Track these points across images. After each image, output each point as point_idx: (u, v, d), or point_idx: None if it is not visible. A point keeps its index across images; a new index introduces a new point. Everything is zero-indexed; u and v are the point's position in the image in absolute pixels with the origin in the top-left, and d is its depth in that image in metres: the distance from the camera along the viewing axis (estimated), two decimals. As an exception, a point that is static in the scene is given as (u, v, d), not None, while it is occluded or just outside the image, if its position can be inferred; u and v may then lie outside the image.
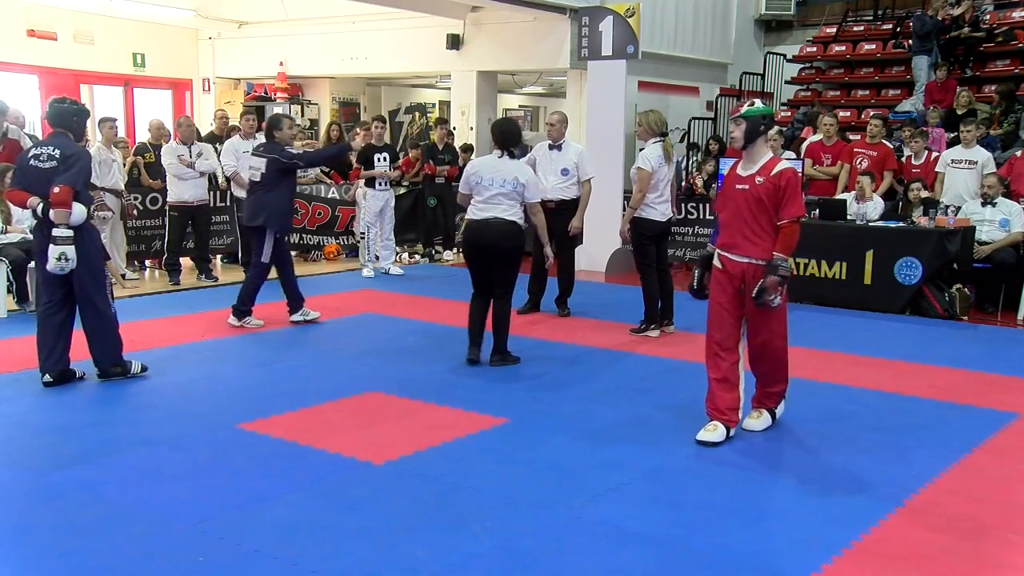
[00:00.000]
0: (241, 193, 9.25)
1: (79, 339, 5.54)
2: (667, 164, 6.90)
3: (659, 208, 6.81)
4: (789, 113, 13.23)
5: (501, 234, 5.85)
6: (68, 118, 5.42)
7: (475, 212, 5.94)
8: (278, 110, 14.87)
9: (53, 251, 5.14)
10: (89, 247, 5.35)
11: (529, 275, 7.88)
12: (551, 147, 7.64)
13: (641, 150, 7.03)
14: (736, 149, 4.58)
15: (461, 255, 11.55)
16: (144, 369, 5.63)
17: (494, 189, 5.84)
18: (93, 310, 5.42)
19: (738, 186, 4.45)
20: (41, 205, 5.20)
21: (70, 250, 5.15)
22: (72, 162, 5.22)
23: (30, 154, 5.38)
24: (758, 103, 4.55)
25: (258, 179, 6.99)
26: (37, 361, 5.46)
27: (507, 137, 6.00)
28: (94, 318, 5.44)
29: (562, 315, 7.72)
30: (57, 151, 5.27)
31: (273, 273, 7.19)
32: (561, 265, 7.83)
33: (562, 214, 7.57)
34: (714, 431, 4.49)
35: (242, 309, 7.06)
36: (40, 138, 9.87)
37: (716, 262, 4.58)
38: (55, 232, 5.15)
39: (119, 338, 5.55)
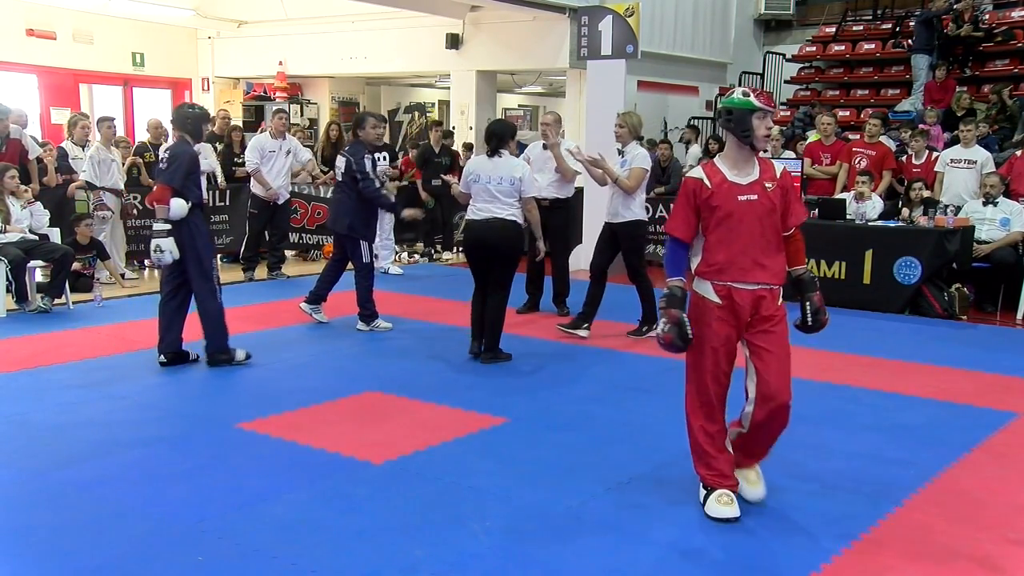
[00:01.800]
0: (260, 190, 9.31)
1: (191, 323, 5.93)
2: None
3: (645, 208, 6.96)
4: (788, 113, 13.24)
5: (501, 233, 5.95)
6: (183, 121, 5.85)
7: (474, 212, 6.04)
8: (275, 109, 14.89)
9: (151, 243, 5.62)
10: (194, 240, 5.70)
11: (526, 275, 7.89)
12: (545, 147, 7.66)
13: (621, 152, 6.88)
14: (767, 150, 3.68)
15: (461, 255, 11.62)
16: (248, 356, 5.96)
17: (491, 187, 5.95)
18: (198, 298, 5.82)
19: (742, 197, 3.55)
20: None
21: (164, 242, 5.56)
22: (172, 161, 5.67)
23: (159, 156, 5.97)
24: None
25: (340, 178, 6.98)
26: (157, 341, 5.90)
27: (488, 137, 6.11)
28: (199, 306, 5.83)
29: (562, 314, 7.72)
30: (168, 152, 5.82)
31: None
32: (556, 264, 7.84)
33: (555, 212, 7.63)
34: (732, 504, 3.63)
35: (366, 313, 7.06)
36: (41, 139, 9.92)
37: (712, 296, 3.62)
38: (154, 226, 5.65)
39: (223, 327, 5.89)
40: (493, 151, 6.05)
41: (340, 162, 6.98)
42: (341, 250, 7.23)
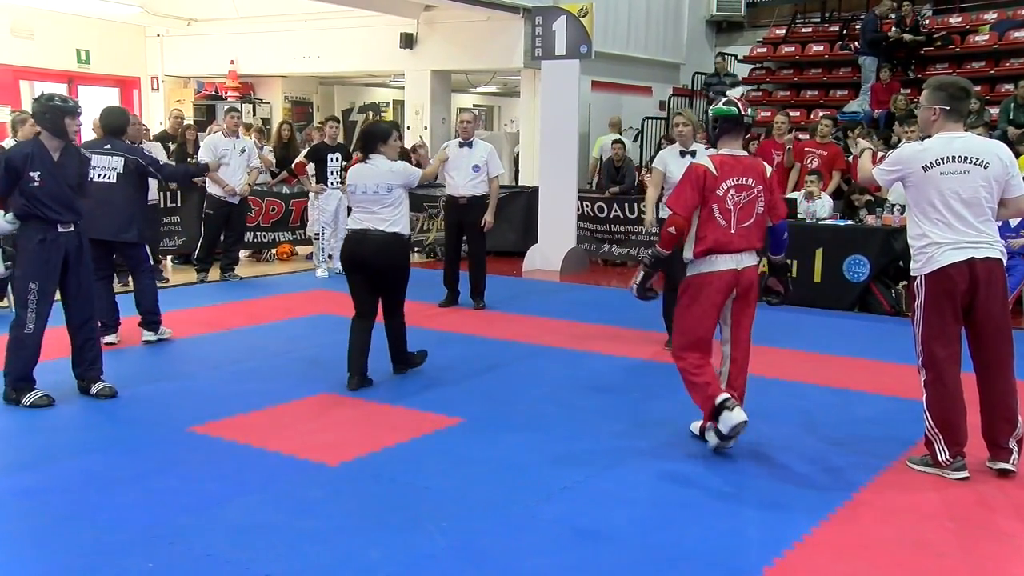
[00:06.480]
0: (215, 190, 9.15)
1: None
2: None
3: None
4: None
5: (379, 247, 5.35)
6: (38, 115, 5.02)
7: (353, 222, 5.50)
8: (228, 107, 14.67)
9: None
10: (19, 255, 5.08)
11: (444, 269, 8.11)
12: (462, 145, 7.84)
13: (683, 153, 6.21)
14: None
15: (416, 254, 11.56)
16: (48, 399, 5.00)
17: (367, 196, 5.36)
18: None
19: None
20: None
21: None
22: None
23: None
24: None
25: (114, 180, 6.26)
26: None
27: (362, 142, 5.77)
28: None
29: (477, 308, 7.86)
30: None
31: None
32: (473, 259, 8.01)
33: (472, 209, 7.82)
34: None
35: (154, 319, 6.56)
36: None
37: None
38: None
39: (10, 357, 5.00)
40: (365, 156, 5.52)
41: (114, 163, 6.27)
42: (108, 266, 6.53)
